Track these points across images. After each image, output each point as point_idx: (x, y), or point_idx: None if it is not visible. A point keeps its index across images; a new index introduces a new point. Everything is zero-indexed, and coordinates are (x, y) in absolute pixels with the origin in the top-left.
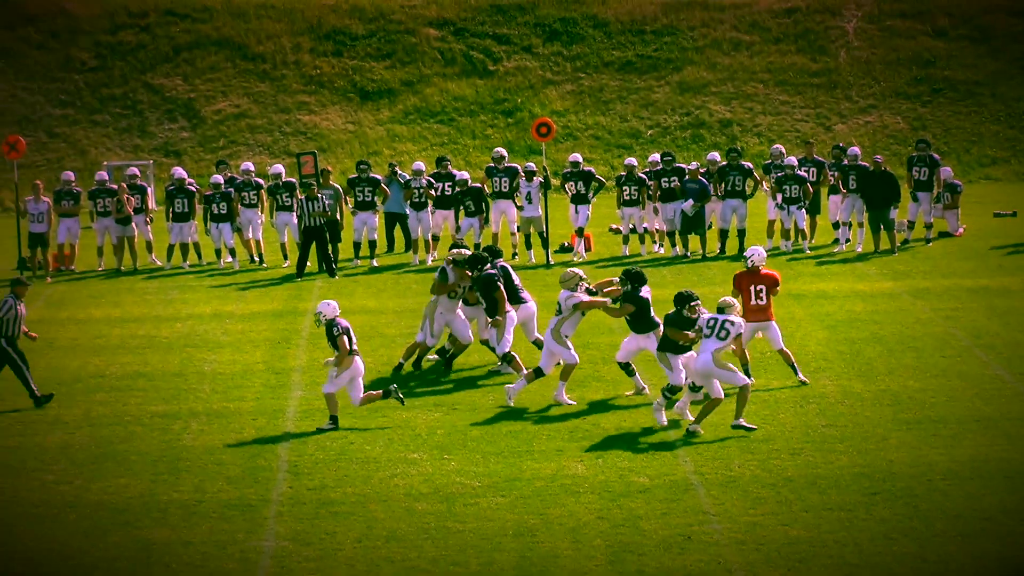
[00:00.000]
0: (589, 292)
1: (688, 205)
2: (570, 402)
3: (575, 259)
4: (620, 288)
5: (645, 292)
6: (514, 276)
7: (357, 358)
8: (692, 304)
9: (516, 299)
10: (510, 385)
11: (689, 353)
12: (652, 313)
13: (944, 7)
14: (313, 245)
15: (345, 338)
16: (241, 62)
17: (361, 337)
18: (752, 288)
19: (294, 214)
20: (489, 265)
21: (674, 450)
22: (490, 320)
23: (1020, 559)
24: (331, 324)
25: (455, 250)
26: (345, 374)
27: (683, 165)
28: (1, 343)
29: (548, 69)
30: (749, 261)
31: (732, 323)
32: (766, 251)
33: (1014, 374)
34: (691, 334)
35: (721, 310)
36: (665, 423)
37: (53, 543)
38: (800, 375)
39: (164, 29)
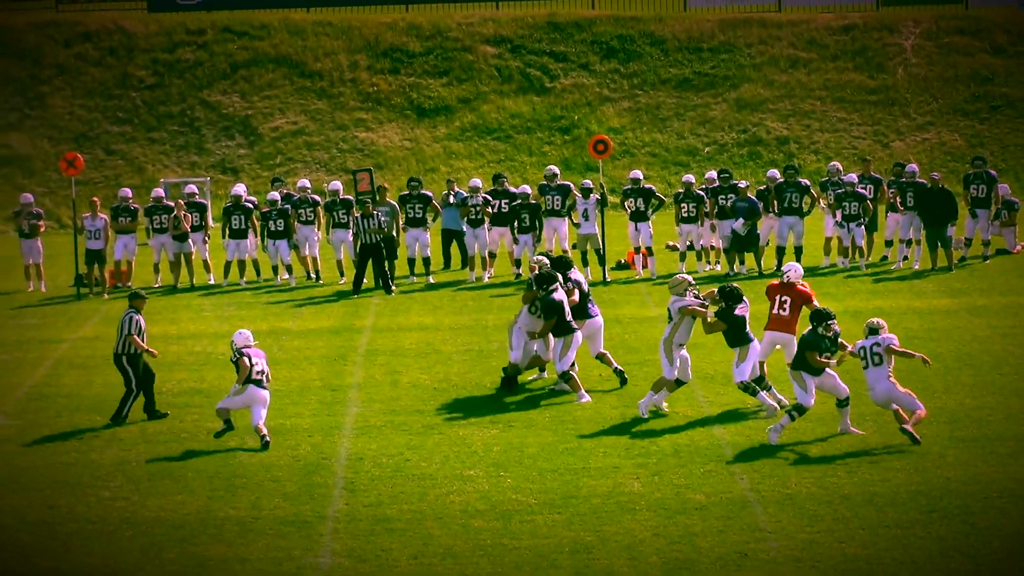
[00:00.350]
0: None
1: (739, 224)
2: (664, 410)
3: (636, 277)
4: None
5: (741, 309)
6: (585, 287)
7: (256, 388)
8: (828, 323)
9: (584, 314)
10: (642, 400)
11: (822, 376)
12: (747, 330)
13: (1002, 24)
14: (369, 262)
15: (245, 360)
16: (298, 79)
17: (417, 354)
18: (778, 298)
19: (350, 231)
20: (561, 279)
21: (730, 467)
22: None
23: None
24: (237, 351)
25: (539, 257)
26: (239, 399)
27: (738, 182)
28: (122, 360)
29: (605, 86)
30: (785, 276)
31: (879, 344)
32: (825, 268)
33: None
34: (828, 359)
35: (874, 331)
36: (775, 442)
37: (109, 559)
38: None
39: (221, 46)
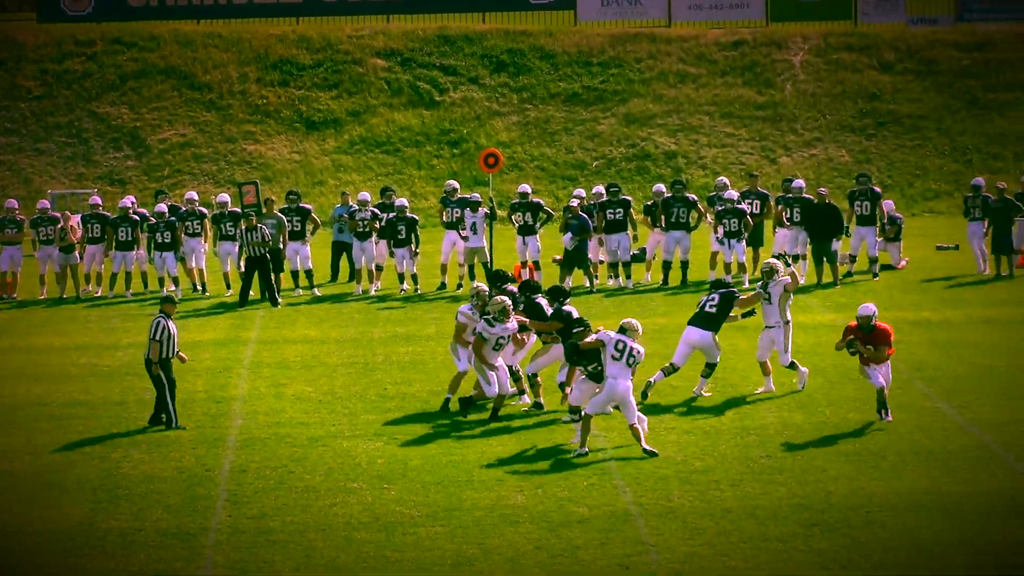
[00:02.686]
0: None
1: (567, 239)
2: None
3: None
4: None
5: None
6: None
7: None
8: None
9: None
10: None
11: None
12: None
13: (890, 40)
14: (256, 274)
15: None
16: (187, 91)
17: (302, 366)
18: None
19: (237, 244)
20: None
21: (613, 480)
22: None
23: None
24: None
25: (477, 285)
26: None
27: (628, 197)
28: (152, 366)
29: (494, 100)
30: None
31: (639, 351)
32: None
33: (954, 407)
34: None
35: (623, 331)
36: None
37: None
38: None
39: (111, 58)
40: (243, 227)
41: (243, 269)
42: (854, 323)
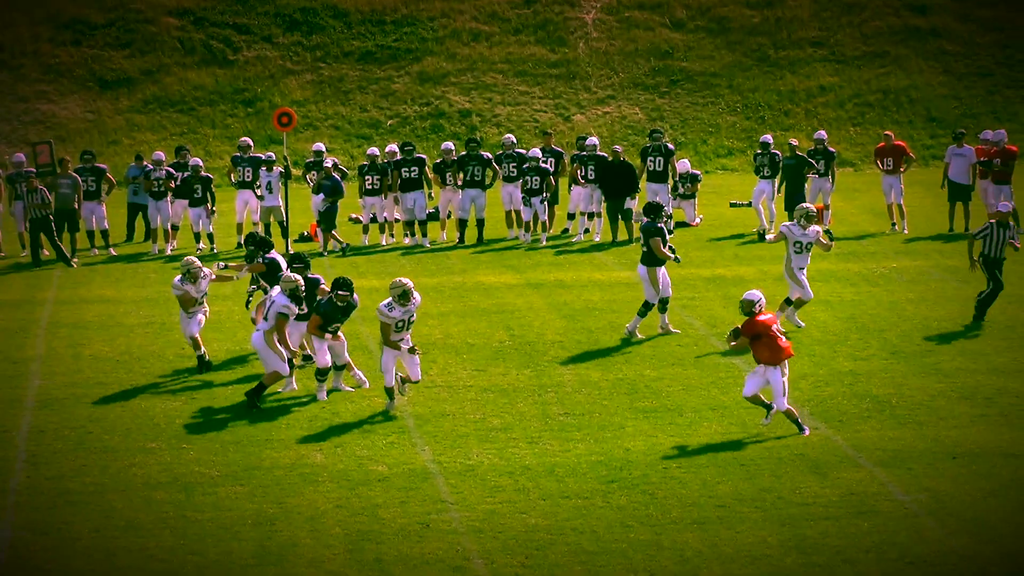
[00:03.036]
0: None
1: (319, 200)
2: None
3: (325, 252)
4: None
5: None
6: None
7: None
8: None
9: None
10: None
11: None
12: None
13: None
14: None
15: None
16: None
17: (100, 326)
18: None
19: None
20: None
21: (412, 439)
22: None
23: (753, 545)
24: None
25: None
26: None
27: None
28: None
29: (288, 59)
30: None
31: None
32: (509, 240)
33: (748, 362)
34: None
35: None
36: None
37: None
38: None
39: None
40: (24, 188)
41: (26, 230)
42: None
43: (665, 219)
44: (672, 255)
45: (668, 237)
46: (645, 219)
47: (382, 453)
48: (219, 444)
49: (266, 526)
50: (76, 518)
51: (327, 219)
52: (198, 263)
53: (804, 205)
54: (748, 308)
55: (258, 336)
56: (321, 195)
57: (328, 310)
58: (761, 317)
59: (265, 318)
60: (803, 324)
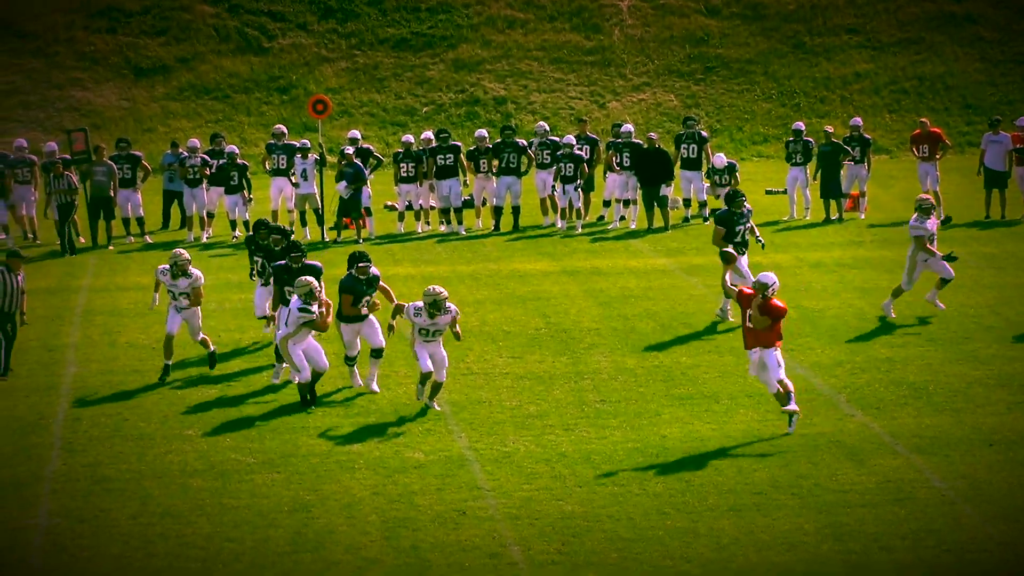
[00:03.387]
0: None
1: (342, 187)
2: (940, 306)
3: (361, 240)
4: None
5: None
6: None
7: None
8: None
9: None
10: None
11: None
12: None
13: None
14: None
15: None
16: (12, 40)
17: (135, 314)
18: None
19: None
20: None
21: (448, 426)
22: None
23: (789, 532)
24: None
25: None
26: None
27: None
28: None
29: (323, 46)
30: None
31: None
32: (545, 228)
33: (785, 349)
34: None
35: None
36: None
37: None
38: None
39: None
40: (51, 175)
41: (56, 218)
42: (750, 289)
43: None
44: (727, 246)
45: (745, 228)
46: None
47: (418, 440)
48: (255, 431)
49: (302, 513)
50: (113, 505)
51: (353, 206)
52: (186, 256)
53: (921, 197)
54: (763, 290)
55: (279, 337)
56: (344, 183)
57: (351, 284)
58: (777, 302)
59: (286, 323)
60: (943, 306)
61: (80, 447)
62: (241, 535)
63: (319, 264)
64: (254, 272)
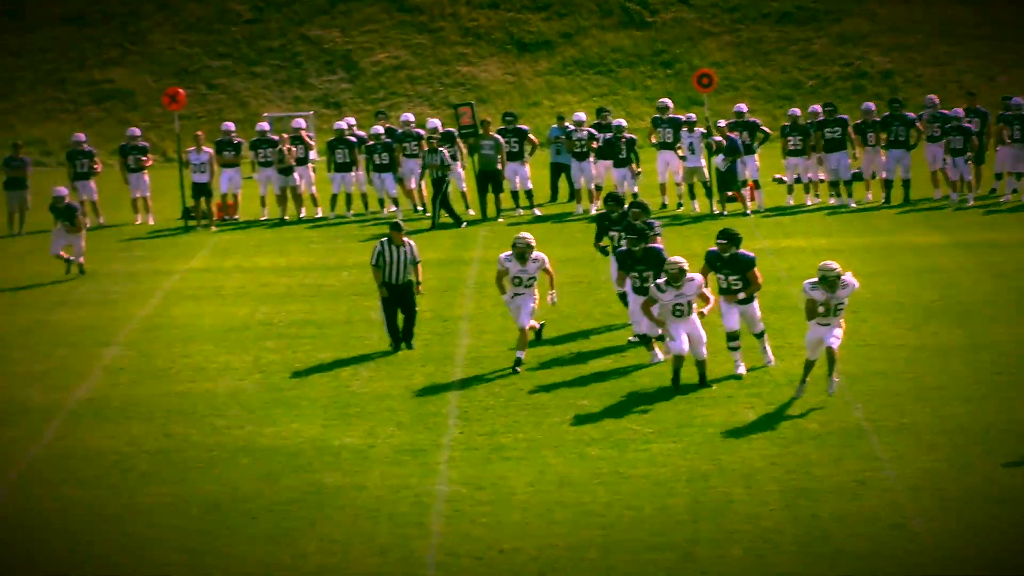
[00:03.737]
0: None
1: (720, 160)
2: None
3: (749, 212)
4: None
5: None
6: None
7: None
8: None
9: None
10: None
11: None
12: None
13: None
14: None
15: None
16: (397, 14)
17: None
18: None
19: (458, 164)
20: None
21: (844, 397)
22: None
23: None
24: None
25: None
26: None
27: (845, 116)
28: (382, 289)
29: (706, 20)
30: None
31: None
32: (937, 200)
33: None
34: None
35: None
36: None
37: (227, 485)
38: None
39: None
40: (424, 149)
41: (424, 191)
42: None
43: None
44: None
45: None
46: None
47: (814, 411)
48: (650, 401)
49: (700, 482)
50: (511, 473)
51: (731, 179)
52: (528, 239)
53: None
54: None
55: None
56: (721, 156)
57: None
58: None
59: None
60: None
61: (476, 416)
62: (640, 503)
63: (660, 247)
64: (605, 248)
